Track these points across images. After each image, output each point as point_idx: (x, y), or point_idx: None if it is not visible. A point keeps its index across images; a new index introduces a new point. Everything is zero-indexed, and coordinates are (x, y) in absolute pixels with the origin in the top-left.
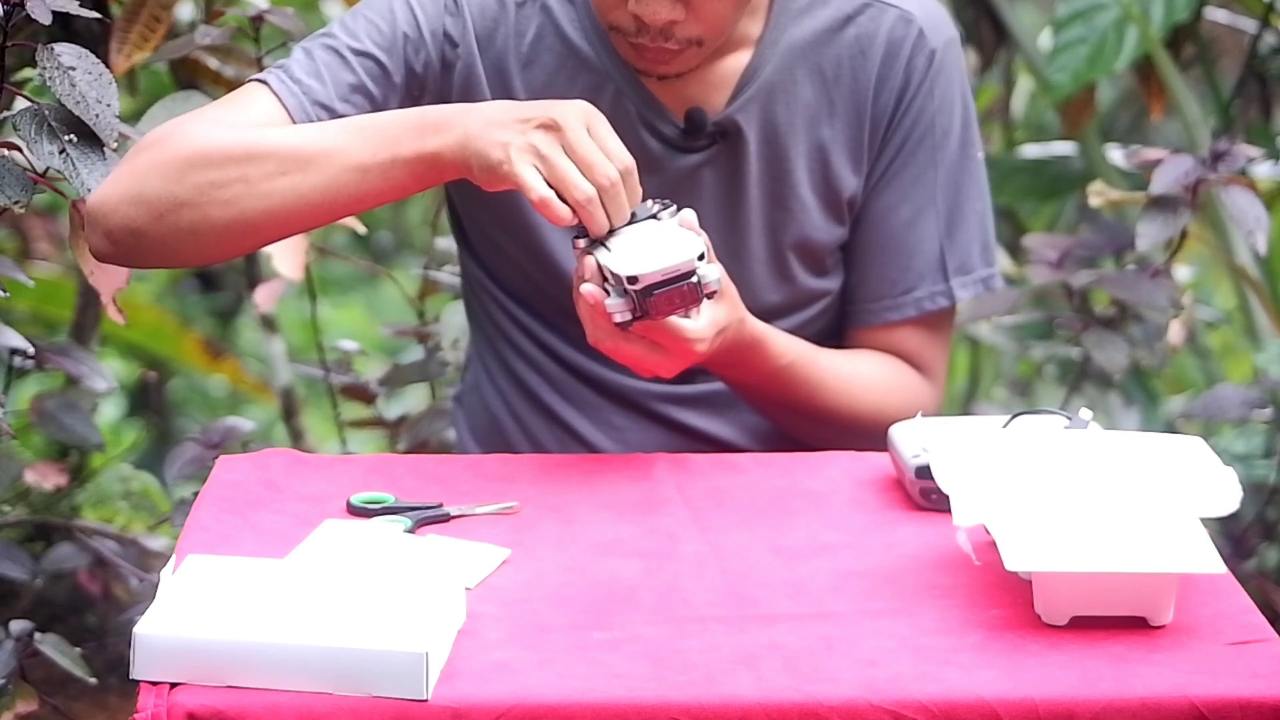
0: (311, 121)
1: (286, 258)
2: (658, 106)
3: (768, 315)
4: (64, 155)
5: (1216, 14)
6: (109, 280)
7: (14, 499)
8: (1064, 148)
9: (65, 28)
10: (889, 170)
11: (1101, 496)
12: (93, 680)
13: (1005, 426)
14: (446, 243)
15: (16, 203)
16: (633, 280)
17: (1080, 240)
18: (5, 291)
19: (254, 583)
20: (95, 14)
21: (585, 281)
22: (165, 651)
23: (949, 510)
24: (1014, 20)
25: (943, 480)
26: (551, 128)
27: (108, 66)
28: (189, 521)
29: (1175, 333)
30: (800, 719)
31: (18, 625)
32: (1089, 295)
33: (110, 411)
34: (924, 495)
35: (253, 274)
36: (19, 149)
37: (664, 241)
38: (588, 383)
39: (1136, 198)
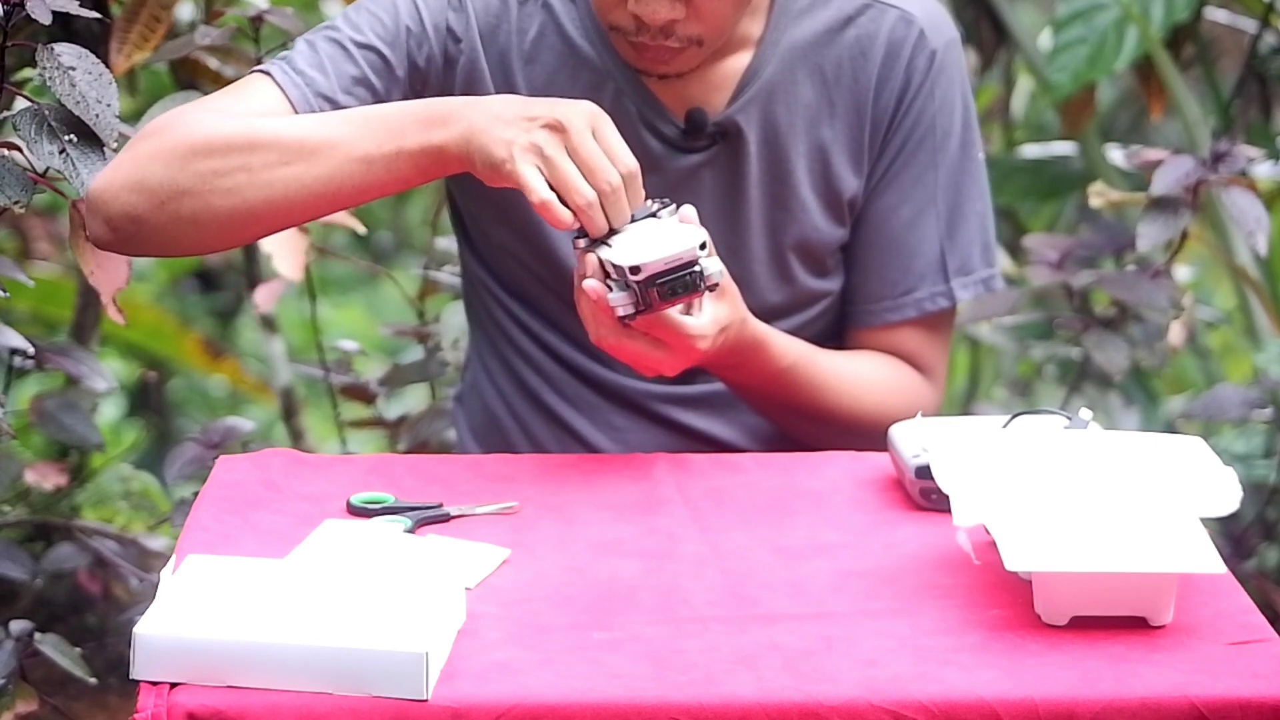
0: (314, 113)
1: (286, 258)
2: (658, 106)
3: (768, 316)
4: (64, 155)
5: (1216, 14)
6: (109, 280)
7: (14, 499)
8: (1064, 148)
9: (65, 28)
10: (889, 171)
11: (1101, 496)
12: (93, 680)
13: (1005, 426)
14: (446, 243)
15: (16, 203)
16: (635, 270)
17: (1080, 240)
18: (5, 291)
19: (254, 583)
20: (95, 14)
21: (587, 278)
22: (165, 651)
23: (949, 510)
24: (1014, 20)
25: (943, 480)
26: (556, 128)
27: (108, 66)
28: (189, 521)
29: (1175, 333)
30: (800, 719)
31: (18, 625)
32: (1089, 295)
33: (110, 411)
34: (924, 495)
35: (253, 274)
36: (19, 149)
37: (665, 234)
38: (588, 383)
39: (1137, 198)
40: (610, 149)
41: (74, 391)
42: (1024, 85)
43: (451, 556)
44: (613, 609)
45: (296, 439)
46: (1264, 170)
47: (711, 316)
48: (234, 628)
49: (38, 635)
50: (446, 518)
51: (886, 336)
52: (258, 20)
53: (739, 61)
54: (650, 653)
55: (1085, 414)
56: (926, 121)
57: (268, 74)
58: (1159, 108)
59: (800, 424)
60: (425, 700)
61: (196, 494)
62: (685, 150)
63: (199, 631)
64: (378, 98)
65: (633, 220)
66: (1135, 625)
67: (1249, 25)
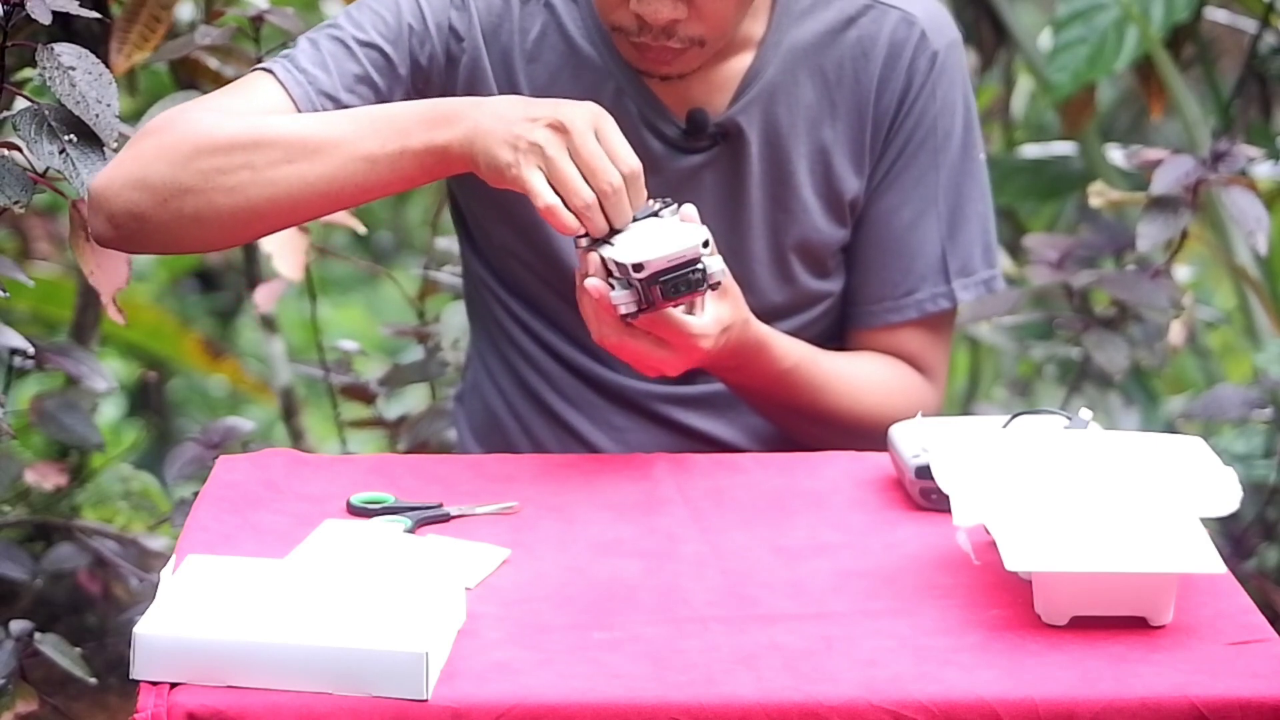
0: (316, 110)
1: (286, 258)
2: (659, 107)
3: (770, 317)
4: (64, 155)
5: (1216, 14)
6: (109, 280)
7: (14, 499)
8: (1064, 148)
9: (65, 28)
10: (891, 172)
11: (1101, 496)
12: (93, 680)
13: (1005, 426)
14: (446, 243)
15: (16, 203)
16: (638, 268)
17: (1080, 240)
18: (5, 291)
19: (254, 583)
20: (95, 14)
21: (589, 277)
22: (165, 651)
23: (949, 510)
24: (1014, 20)
25: (943, 480)
26: (558, 129)
27: (108, 66)
28: (189, 521)
29: (1175, 333)
30: (800, 719)
31: (18, 625)
32: (1089, 295)
33: (110, 411)
34: (924, 495)
35: (253, 274)
36: (19, 149)
37: (667, 232)
38: (589, 383)
39: (1137, 198)
40: (612, 149)
41: (74, 391)
42: (1024, 85)
43: (451, 556)
44: (613, 609)
45: (296, 439)
46: (1264, 170)
47: (714, 316)
48: (234, 628)
49: (38, 635)
50: (446, 518)
51: (887, 337)
52: (258, 20)
53: (740, 62)
54: (650, 653)
55: (1085, 414)
56: (928, 123)
57: (270, 72)
58: (1159, 108)
59: (801, 425)
60: (425, 700)
61: (196, 494)
62: (686, 151)
63: (199, 631)
64: (380, 96)
65: (634, 219)
66: (1135, 625)
67: (1249, 25)
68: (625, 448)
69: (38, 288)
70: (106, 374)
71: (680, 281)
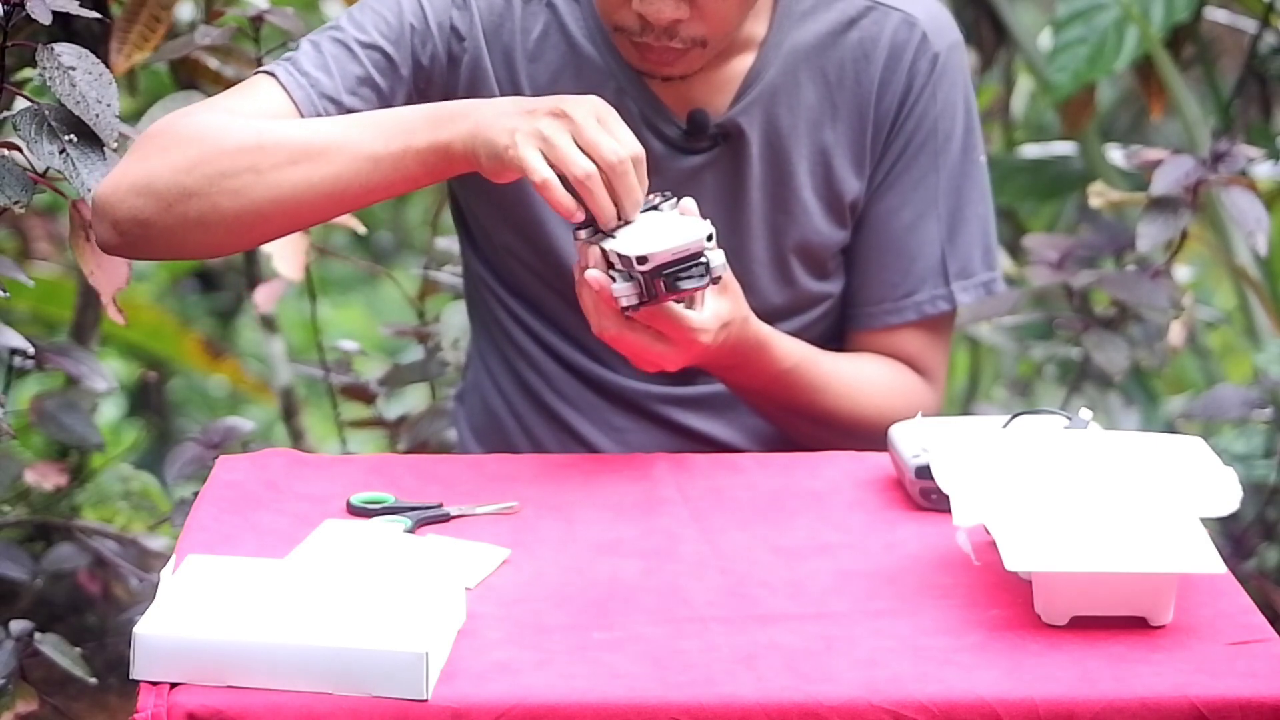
0: (319, 113)
1: (286, 258)
2: (660, 107)
3: (770, 318)
4: (64, 155)
5: (1216, 14)
6: (109, 280)
7: (14, 499)
8: (1064, 148)
9: (65, 28)
10: (891, 174)
11: (1101, 496)
12: (93, 680)
13: (1005, 426)
14: (446, 243)
15: (16, 203)
16: (642, 260)
17: (1080, 241)
18: (5, 291)
19: (254, 583)
20: (95, 14)
21: (590, 269)
22: (165, 651)
23: (949, 510)
24: (1014, 20)
25: (943, 480)
26: (560, 115)
27: (108, 66)
28: (189, 521)
29: (1175, 333)
30: (800, 719)
31: (18, 625)
32: (1089, 296)
33: (110, 411)
34: (924, 495)
35: (253, 274)
36: (19, 149)
37: (670, 225)
38: (588, 383)
39: (1137, 198)
40: (614, 135)
41: (74, 391)
42: (1024, 85)
43: (451, 556)
44: (613, 609)
45: (296, 439)
46: (1264, 170)
47: (713, 311)
48: (234, 628)
49: (38, 635)
50: (446, 518)
51: (886, 339)
52: (258, 20)
53: (742, 63)
54: (650, 653)
55: (1085, 414)
56: (928, 124)
57: (272, 75)
58: (1159, 108)
59: (800, 425)
60: (425, 700)
61: (196, 494)
62: (687, 151)
63: (199, 631)
64: (382, 97)
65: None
66: (1135, 625)
67: (1249, 25)
68: (625, 448)
69: (38, 288)
70: (106, 374)
71: (683, 275)
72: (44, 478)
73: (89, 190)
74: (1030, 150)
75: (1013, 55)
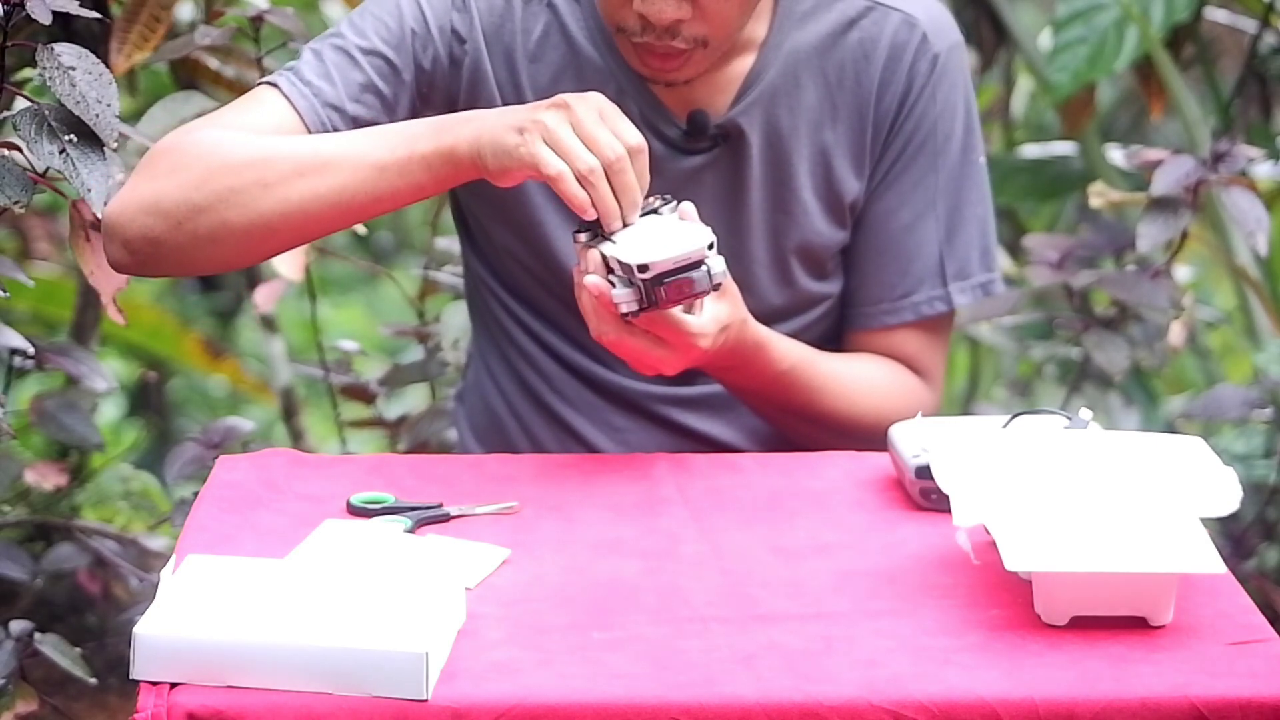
0: (323, 122)
1: (286, 258)
2: (660, 108)
3: (769, 318)
4: (64, 155)
5: (1216, 14)
6: (109, 280)
7: (14, 499)
8: (1064, 148)
9: (65, 28)
10: (890, 174)
11: (1101, 496)
12: (93, 680)
13: (1005, 426)
14: (446, 243)
15: (16, 203)
16: (643, 269)
17: (1080, 241)
18: (5, 291)
19: (254, 583)
20: (95, 14)
21: (589, 274)
22: (165, 651)
23: (949, 510)
24: (1014, 20)
25: (943, 480)
26: (561, 106)
27: (108, 66)
28: (189, 521)
29: (1175, 333)
30: (800, 719)
31: (18, 625)
32: (1089, 296)
33: (110, 411)
34: (924, 495)
35: (253, 274)
36: (19, 149)
37: (670, 232)
38: (588, 383)
39: (1137, 198)
40: (615, 128)
41: (74, 391)
42: (1024, 85)
43: (451, 556)
44: (613, 609)
45: (296, 439)
46: (1264, 170)
47: (712, 315)
48: (234, 628)
49: (38, 635)
50: (446, 518)
51: (884, 339)
52: (258, 20)
53: (742, 64)
54: (650, 653)
55: (1085, 414)
56: (928, 125)
57: (274, 85)
58: (1159, 108)
59: (798, 426)
60: (425, 700)
61: (196, 494)
62: (687, 152)
63: (199, 631)
64: (385, 103)
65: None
66: (1135, 625)
67: (1249, 25)
68: (625, 448)
69: (38, 288)
70: (106, 374)
71: (684, 283)
72: (44, 478)
73: (89, 190)
74: (1030, 150)
75: (1013, 55)
